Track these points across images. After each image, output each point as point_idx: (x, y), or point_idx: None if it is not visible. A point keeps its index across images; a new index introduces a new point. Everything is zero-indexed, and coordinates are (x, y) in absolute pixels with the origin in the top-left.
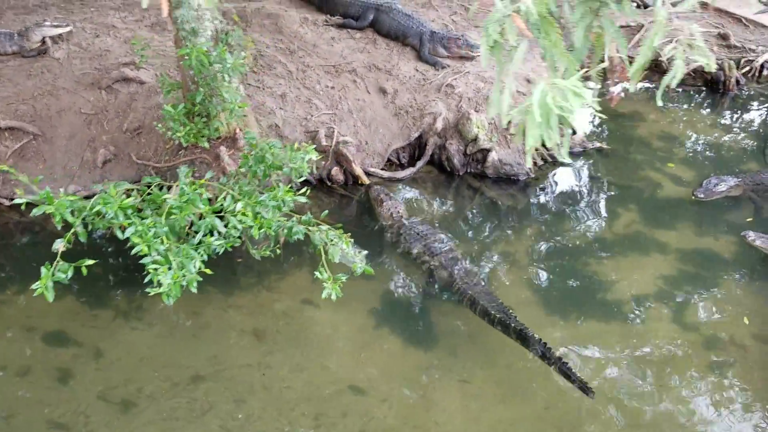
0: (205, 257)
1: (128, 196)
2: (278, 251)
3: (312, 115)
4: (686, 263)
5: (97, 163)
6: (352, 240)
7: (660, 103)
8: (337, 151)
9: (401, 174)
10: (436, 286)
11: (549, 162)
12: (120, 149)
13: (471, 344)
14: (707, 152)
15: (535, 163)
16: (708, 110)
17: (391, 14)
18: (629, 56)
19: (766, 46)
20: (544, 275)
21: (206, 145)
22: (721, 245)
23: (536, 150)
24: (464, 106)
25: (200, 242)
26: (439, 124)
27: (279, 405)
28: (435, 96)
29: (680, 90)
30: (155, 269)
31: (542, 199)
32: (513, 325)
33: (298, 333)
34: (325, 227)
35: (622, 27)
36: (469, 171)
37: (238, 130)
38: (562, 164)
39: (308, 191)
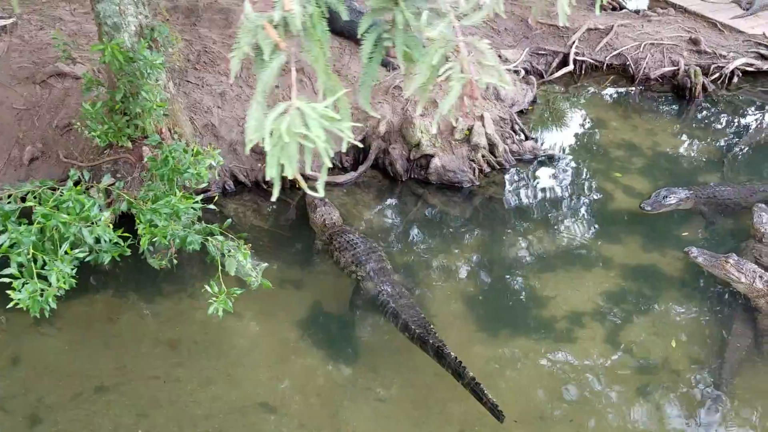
0: (68, 270)
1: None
2: (174, 261)
3: None
4: (629, 279)
5: (24, 161)
6: (253, 251)
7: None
8: None
9: (342, 178)
10: (362, 299)
11: (497, 169)
12: (49, 147)
13: (394, 361)
14: (665, 163)
15: (481, 171)
16: (672, 118)
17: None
18: (596, 60)
19: (737, 52)
20: (479, 288)
21: (129, 144)
22: (667, 261)
23: (483, 157)
24: (410, 109)
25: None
26: (383, 128)
27: (181, 421)
28: (382, 98)
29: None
30: (11, 282)
31: (486, 208)
32: (431, 341)
33: (214, 344)
34: (221, 238)
35: (590, 30)
36: (412, 177)
37: (164, 129)
38: (509, 172)
39: (216, 198)
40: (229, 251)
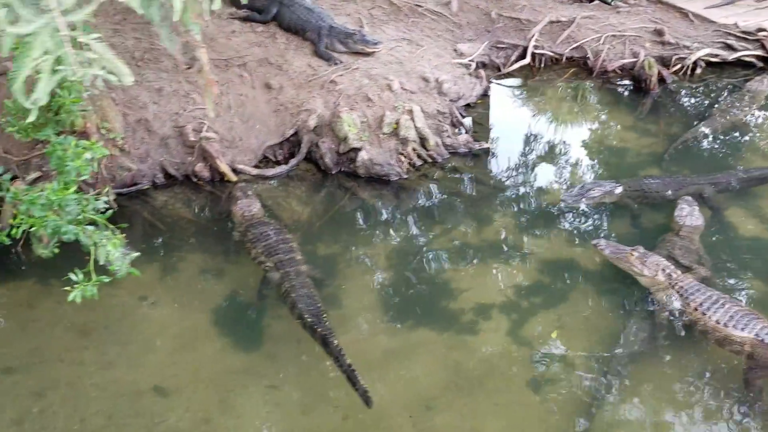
0: None
1: None
2: (55, 251)
3: (185, 110)
4: (544, 273)
5: None
6: (128, 241)
7: None
8: (201, 146)
9: (271, 172)
10: (268, 288)
11: (428, 162)
12: None
13: (292, 350)
14: (609, 155)
15: (412, 165)
16: (625, 111)
17: (292, 7)
18: (556, 52)
19: (704, 42)
20: (395, 280)
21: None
22: (587, 255)
23: (414, 150)
24: (342, 103)
25: None
26: (312, 122)
27: (77, 402)
28: (317, 92)
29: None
30: None
31: (414, 201)
32: (319, 329)
33: (124, 330)
34: (91, 228)
35: (552, 22)
36: (342, 170)
37: (89, 125)
38: (442, 166)
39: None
40: (101, 241)
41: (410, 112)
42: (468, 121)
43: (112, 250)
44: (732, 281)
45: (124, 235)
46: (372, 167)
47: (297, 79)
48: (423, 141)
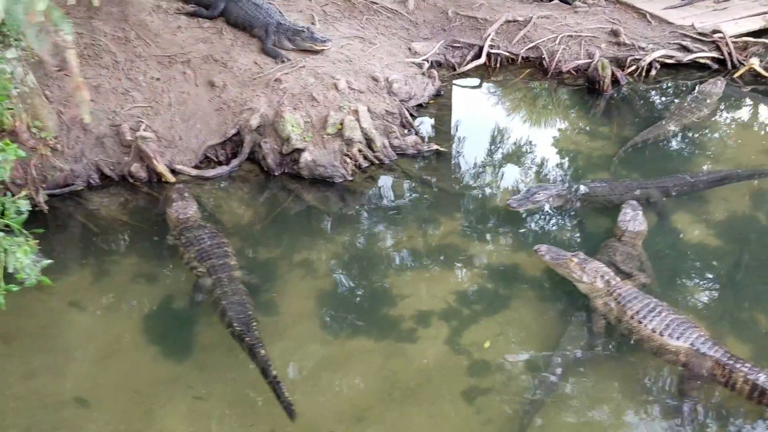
0: None
1: None
2: None
3: (123, 108)
4: (488, 279)
5: None
6: (40, 248)
7: None
8: (137, 146)
9: (211, 173)
10: (201, 295)
11: (375, 164)
12: None
13: (224, 359)
14: (560, 158)
15: (358, 166)
16: (580, 111)
17: (239, 3)
18: (512, 52)
19: (659, 44)
20: (336, 287)
21: None
22: (532, 261)
23: (360, 151)
24: (285, 102)
25: None
26: (255, 121)
27: None
28: (261, 91)
29: (555, 89)
30: None
31: (359, 204)
32: (247, 339)
33: (49, 337)
34: (1, 234)
35: (509, 22)
36: (286, 172)
37: (18, 123)
38: (389, 168)
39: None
40: (11, 247)
41: (356, 112)
42: (420, 121)
43: (22, 257)
44: (675, 288)
45: (37, 241)
46: (315, 169)
47: (242, 76)
48: (369, 142)
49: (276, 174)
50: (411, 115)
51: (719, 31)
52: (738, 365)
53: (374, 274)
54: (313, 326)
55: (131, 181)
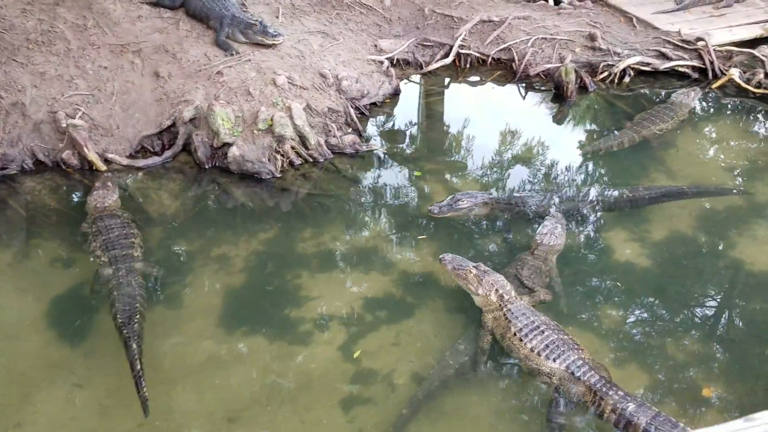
0: None
1: None
2: None
3: (64, 95)
4: (399, 286)
5: None
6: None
7: None
8: (69, 133)
9: (142, 163)
10: (99, 284)
11: (309, 162)
12: None
13: (113, 349)
14: (508, 165)
15: (291, 164)
16: (542, 117)
17: None
18: (482, 53)
19: (637, 50)
20: (246, 284)
21: None
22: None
23: (292, 149)
24: (222, 95)
25: None
26: (188, 114)
27: None
28: (203, 83)
29: (523, 93)
30: None
31: (286, 202)
32: (124, 332)
33: None
34: None
35: (484, 21)
36: (216, 165)
37: None
38: (324, 166)
39: None
40: None
41: (289, 108)
42: (380, 120)
43: None
44: (585, 308)
45: None
46: (243, 164)
47: (189, 68)
48: (303, 140)
49: (207, 167)
50: (362, 113)
51: (703, 40)
52: (610, 392)
53: (288, 274)
54: (211, 322)
55: (64, 167)
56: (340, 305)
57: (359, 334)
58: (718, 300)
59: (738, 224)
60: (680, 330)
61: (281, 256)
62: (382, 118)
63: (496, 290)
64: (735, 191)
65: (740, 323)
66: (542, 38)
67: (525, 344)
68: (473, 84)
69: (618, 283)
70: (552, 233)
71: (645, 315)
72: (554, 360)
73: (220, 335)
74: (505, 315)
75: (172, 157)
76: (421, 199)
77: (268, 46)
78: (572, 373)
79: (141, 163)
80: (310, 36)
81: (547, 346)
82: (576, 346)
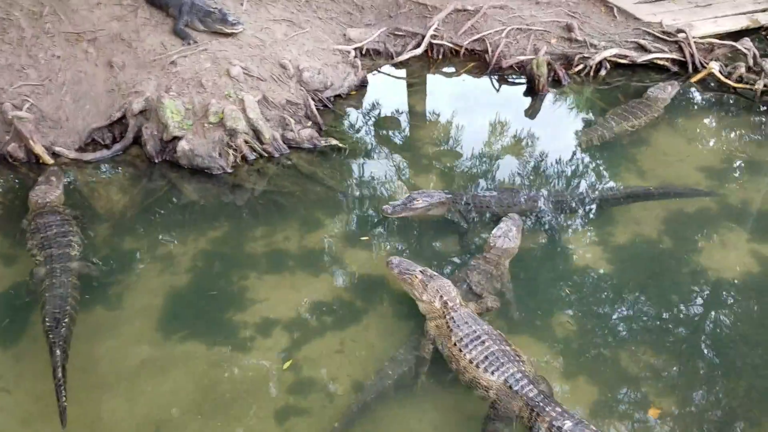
0: None
1: None
2: None
3: (12, 85)
4: (350, 291)
5: None
6: None
7: None
8: (15, 126)
9: (90, 156)
10: (35, 284)
11: (264, 157)
12: None
13: (44, 354)
14: (473, 163)
15: (244, 159)
16: (512, 111)
17: None
18: (455, 43)
19: (615, 42)
20: (191, 284)
21: None
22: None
23: (246, 143)
24: (173, 87)
25: None
26: (138, 106)
27: None
28: (156, 74)
29: (496, 85)
30: None
31: (238, 198)
32: (51, 336)
33: None
34: None
35: (458, 11)
36: (166, 159)
37: None
38: (279, 161)
39: None
40: None
41: (241, 101)
42: (336, 114)
43: None
44: (536, 315)
45: None
46: (193, 158)
47: (143, 58)
48: (257, 133)
49: (157, 161)
50: (325, 106)
51: (683, 31)
52: (547, 408)
53: (235, 275)
54: (149, 325)
55: (10, 160)
56: (286, 309)
57: (302, 340)
58: (679, 310)
59: (706, 228)
60: (636, 341)
61: (229, 256)
62: (346, 110)
63: (441, 296)
64: (706, 192)
65: (701, 336)
66: (517, 29)
67: (464, 355)
68: (446, 75)
69: (575, 290)
70: (506, 236)
71: (600, 324)
72: (492, 372)
73: (158, 339)
74: (447, 323)
75: (122, 151)
76: (380, 198)
77: (228, 35)
78: (510, 387)
79: (89, 156)
80: (274, 24)
81: (486, 357)
82: (517, 358)
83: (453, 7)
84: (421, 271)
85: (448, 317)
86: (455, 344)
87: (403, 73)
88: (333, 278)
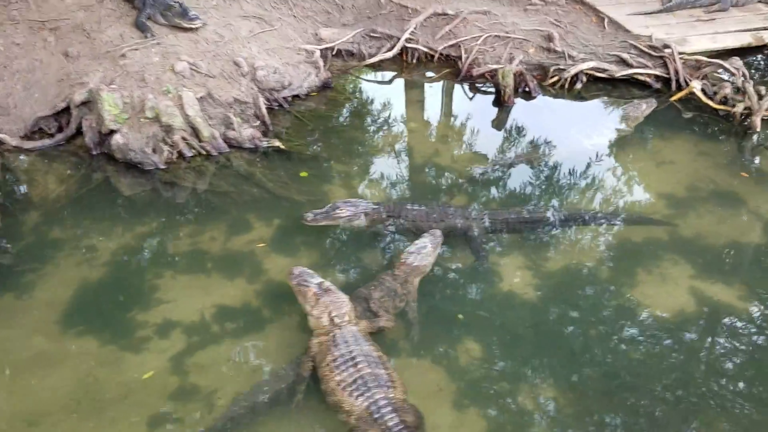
0: None
1: None
2: None
3: None
4: (261, 298)
5: None
6: None
7: None
8: None
9: (31, 145)
10: None
11: (203, 155)
12: None
13: None
14: (419, 174)
15: (181, 155)
16: (477, 123)
17: None
18: (431, 48)
19: (596, 54)
20: (103, 279)
21: None
22: (338, 276)
23: (183, 139)
24: (117, 80)
25: None
26: (79, 97)
27: None
28: (106, 66)
29: (467, 94)
30: None
31: (170, 195)
32: None
33: None
34: None
35: (438, 15)
36: (105, 152)
37: None
38: (218, 161)
39: None
40: None
41: (179, 97)
42: (290, 115)
43: None
44: (444, 340)
45: None
46: (127, 153)
47: (99, 49)
48: (196, 131)
49: (95, 153)
50: (280, 106)
51: (669, 46)
52: None
53: (151, 272)
54: (51, 317)
55: None
56: (191, 312)
57: (198, 345)
58: (594, 346)
59: (650, 260)
60: (540, 375)
61: (151, 253)
62: (303, 112)
63: (330, 312)
64: (658, 222)
65: (611, 379)
66: (495, 36)
67: (334, 376)
68: (418, 81)
69: (490, 316)
70: (419, 252)
71: (508, 355)
72: (357, 397)
73: (55, 332)
74: (329, 341)
75: (65, 141)
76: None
77: (187, 30)
78: (371, 414)
79: (30, 144)
80: (242, 21)
81: (355, 381)
82: (389, 384)
83: (432, 10)
84: (317, 284)
85: (331, 335)
86: (328, 364)
87: (373, 76)
88: (248, 284)
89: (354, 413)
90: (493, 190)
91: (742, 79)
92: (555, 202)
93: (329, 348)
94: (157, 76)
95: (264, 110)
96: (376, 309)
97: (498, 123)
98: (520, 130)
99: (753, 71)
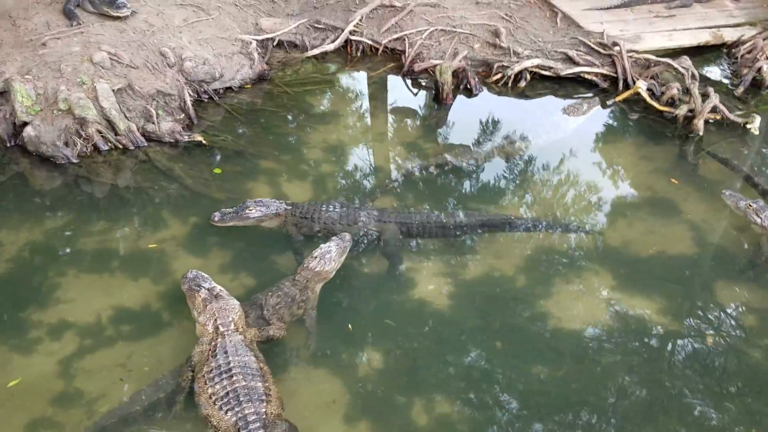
0: None
1: None
2: None
3: None
4: (163, 300)
5: None
6: None
7: None
8: None
9: None
10: None
11: (119, 149)
12: None
13: None
14: (351, 173)
15: (96, 149)
16: (410, 121)
17: None
18: (375, 41)
19: (542, 51)
20: (11, 275)
21: None
22: (238, 283)
23: (98, 132)
24: (35, 69)
25: None
26: None
27: None
28: (25, 55)
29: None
30: None
31: (84, 190)
32: None
33: None
34: None
35: (385, 6)
36: (18, 144)
37: None
38: (137, 155)
39: None
40: None
41: (94, 89)
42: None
43: None
44: (343, 350)
45: None
46: (39, 145)
47: (23, 37)
48: (111, 124)
49: (9, 145)
50: (210, 98)
51: (617, 44)
52: None
53: (53, 270)
54: None
55: None
56: (88, 313)
57: (90, 348)
58: (496, 360)
59: (571, 269)
60: (438, 390)
61: (57, 250)
62: (234, 105)
63: (215, 320)
64: (581, 229)
65: (512, 393)
66: (441, 30)
67: (207, 389)
68: (361, 74)
69: (395, 324)
70: (322, 257)
71: (408, 367)
72: (227, 412)
73: None
74: (209, 350)
75: None
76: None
77: (114, 18)
78: (238, 430)
79: None
80: (177, 9)
81: (227, 394)
82: (264, 398)
83: (380, 2)
84: (208, 289)
85: (213, 344)
86: (204, 375)
87: (313, 69)
88: (152, 285)
89: (221, 428)
90: (426, 192)
91: (690, 79)
92: (481, 206)
93: (208, 358)
94: (74, 67)
95: (189, 103)
96: (268, 317)
97: (437, 121)
98: (457, 129)
99: (721, 69)
